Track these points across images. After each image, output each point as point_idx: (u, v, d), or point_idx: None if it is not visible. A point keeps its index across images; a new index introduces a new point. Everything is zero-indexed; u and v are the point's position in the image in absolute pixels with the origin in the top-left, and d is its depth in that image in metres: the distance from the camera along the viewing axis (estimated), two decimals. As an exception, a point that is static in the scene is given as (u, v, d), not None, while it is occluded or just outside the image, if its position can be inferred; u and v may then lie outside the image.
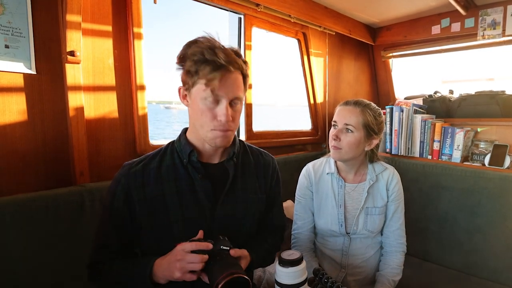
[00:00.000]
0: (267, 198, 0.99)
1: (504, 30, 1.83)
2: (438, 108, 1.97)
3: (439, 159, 1.79)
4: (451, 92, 2.16)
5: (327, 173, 1.23)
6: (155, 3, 1.36)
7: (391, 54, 2.53)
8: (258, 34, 1.85)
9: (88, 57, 1.18)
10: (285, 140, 2.03)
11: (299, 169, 1.30)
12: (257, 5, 1.66)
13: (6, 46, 1.00)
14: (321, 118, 2.25)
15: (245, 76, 0.84)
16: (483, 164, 1.66)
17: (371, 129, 1.14)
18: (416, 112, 1.87)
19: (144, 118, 1.33)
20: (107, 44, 1.23)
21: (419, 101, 2.08)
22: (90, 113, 1.20)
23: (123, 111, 1.29)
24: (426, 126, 1.82)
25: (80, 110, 1.14)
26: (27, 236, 0.96)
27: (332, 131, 1.17)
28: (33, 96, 1.07)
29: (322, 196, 1.22)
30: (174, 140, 0.92)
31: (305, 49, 2.10)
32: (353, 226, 1.18)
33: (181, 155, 0.87)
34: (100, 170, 1.22)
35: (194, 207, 0.84)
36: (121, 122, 1.29)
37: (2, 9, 0.99)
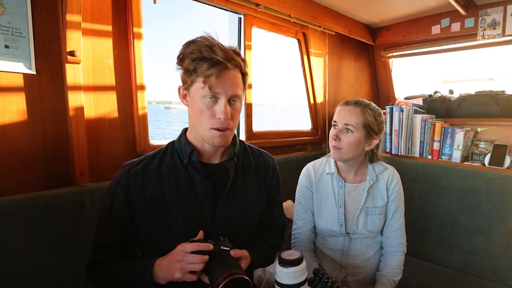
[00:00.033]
0: (267, 198, 0.99)
1: (504, 30, 1.83)
2: (438, 108, 1.97)
3: (439, 159, 1.79)
4: (451, 92, 2.16)
5: (327, 173, 1.23)
6: (155, 3, 1.36)
7: (391, 54, 2.53)
8: (258, 34, 1.84)
9: (88, 57, 1.18)
10: (285, 140, 2.03)
11: (299, 169, 1.30)
12: (257, 5, 1.66)
13: (6, 46, 1.00)
14: (321, 118, 2.25)
15: (244, 75, 0.84)
16: (483, 164, 1.66)
17: (371, 129, 1.14)
18: (416, 112, 1.88)
19: (144, 118, 1.33)
20: (107, 44, 1.23)
21: (419, 101, 2.08)
22: (90, 113, 1.20)
23: (123, 111, 1.29)
24: (426, 126, 1.83)
25: (80, 110, 1.14)
26: (27, 236, 0.96)
27: (332, 131, 1.17)
28: (33, 96, 1.07)
29: (322, 196, 1.22)
30: (174, 140, 0.92)
31: (305, 49, 2.10)
32: (353, 226, 1.18)
33: (181, 155, 0.87)
34: (100, 170, 1.22)
35: (194, 208, 0.84)
36: (121, 122, 1.29)
37: (2, 9, 0.99)
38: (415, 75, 2.98)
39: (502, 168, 1.58)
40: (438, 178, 1.71)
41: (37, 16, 1.06)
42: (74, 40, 1.09)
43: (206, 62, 0.76)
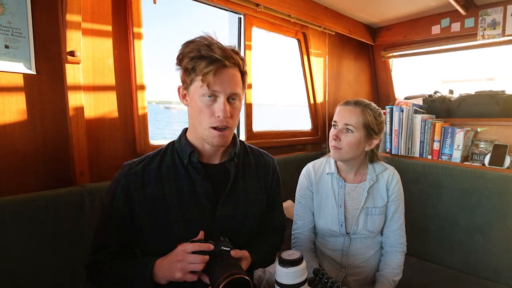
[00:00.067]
0: (268, 199, 0.99)
1: (504, 30, 1.83)
2: (438, 108, 1.97)
3: (439, 159, 1.79)
4: (451, 92, 2.16)
5: (327, 173, 1.23)
6: (155, 3, 1.36)
7: (391, 54, 2.53)
8: (258, 34, 1.85)
9: (88, 57, 1.18)
10: (285, 140, 2.03)
11: (299, 169, 1.30)
12: (257, 5, 1.66)
13: (6, 46, 1.00)
14: (321, 118, 2.25)
15: (243, 73, 0.84)
16: (483, 164, 1.66)
17: (371, 129, 1.14)
18: (416, 112, 1.88)
19: (144, 118, 1.33)
20: (107, 44, 1.23)
21: (419, 101, 2.08)
22: (90, 113, 1.20)
23: (123, 111, 1.29)
24: (426, 126, 1.83)
25: (80, 110, 1.14)
26: (27, 236, 0.96)
27: (332, 131, 1.17)
28: (33, 96, 1.07)
29: (322, 196, 1.22)
30: (174, 140, 0.92)
31: (305, 49, 2.10)
32: (353, 226, 1.18)
33: (182, 156, 0.87)
34: (100, 170, 1.22)
35: (194, 208, 0.84)
36: (121, 122, 1.29)
37: (2, 9, 0.99)
38: (415, 75, 2.98)
39: (502, 168, 1.58)
40: (438, 178, 1.71)
41: (37, 16, 1.06)
42: (74, 40, 1.09)
43: (204, 60, 0.76)
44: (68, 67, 1.10)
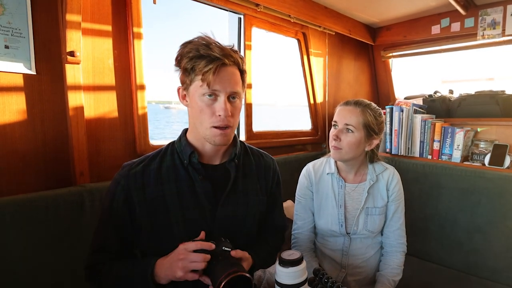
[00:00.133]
0: (268, 199, 0.99)
1: (504, 30, 1.83)
2: (438, 108, 1.97)
3: (439, 159, 1.79)
4: (451, 92, 2.16)
5: (327, 173, 1.23)
6: (155, 3, 1.36)
7: (391, 54, 2.53)
8: (258, 34, 1.84)
9: (88, 57, 1.18)
10: (285, 140, 2.03)
11: (299, 169, 1.30)
12: (257, 5, 1.66)
13: (6, 47, 1.00)
14: (321, 118, 2.25)
15: (242, 72, 0.84)
16: (483, 164, 1.66)
17: (372, 129, 1.14)
18: (416, 112, 1.88)
19: (144, 118, 1.33)
20: (107, 44, 1.23)
21: (419, 101, 2.08)
22: (90, 113, 1.20)
23: (123, 111, 1.29)
24: (426, 126, 1.83)
25: (80, 110, 1.14)
26: (27, 236, 0.96)
27: (333, 131, 1.17)
28: (33, 96, 1.07)
29: (322, 196, 1.22)
30: (174, 141, 0.92)
31: (305, 49, 2.10)
32: (353, 226, 1.18)
33: (182, 156, 0.86)
34: (100, 170, 1.22)
35: (194, 208, 0.84)
36: (121, 122, 1.29)
37: (2, 9, 0.99)
38: (415, 75, 2.98)
39: (502, 168, 1.59)
40: (438, 178, 1.71)
41: (37, 16, 1.06)
42: (74, 40, 1.09)
43: (203, 59, 0.76)
44: (68, 67, 1.10)
